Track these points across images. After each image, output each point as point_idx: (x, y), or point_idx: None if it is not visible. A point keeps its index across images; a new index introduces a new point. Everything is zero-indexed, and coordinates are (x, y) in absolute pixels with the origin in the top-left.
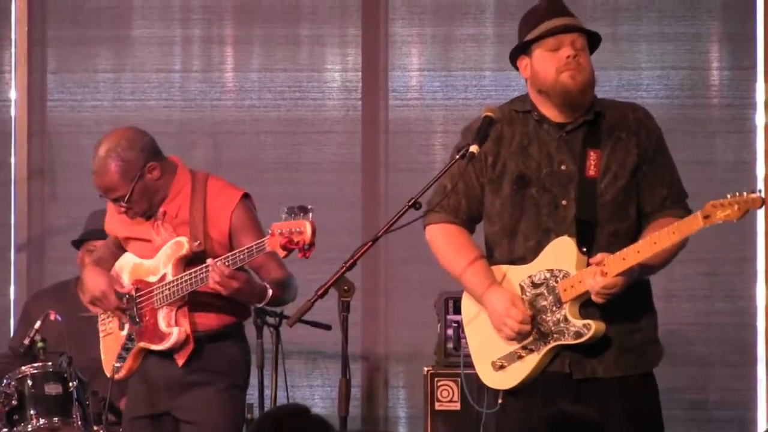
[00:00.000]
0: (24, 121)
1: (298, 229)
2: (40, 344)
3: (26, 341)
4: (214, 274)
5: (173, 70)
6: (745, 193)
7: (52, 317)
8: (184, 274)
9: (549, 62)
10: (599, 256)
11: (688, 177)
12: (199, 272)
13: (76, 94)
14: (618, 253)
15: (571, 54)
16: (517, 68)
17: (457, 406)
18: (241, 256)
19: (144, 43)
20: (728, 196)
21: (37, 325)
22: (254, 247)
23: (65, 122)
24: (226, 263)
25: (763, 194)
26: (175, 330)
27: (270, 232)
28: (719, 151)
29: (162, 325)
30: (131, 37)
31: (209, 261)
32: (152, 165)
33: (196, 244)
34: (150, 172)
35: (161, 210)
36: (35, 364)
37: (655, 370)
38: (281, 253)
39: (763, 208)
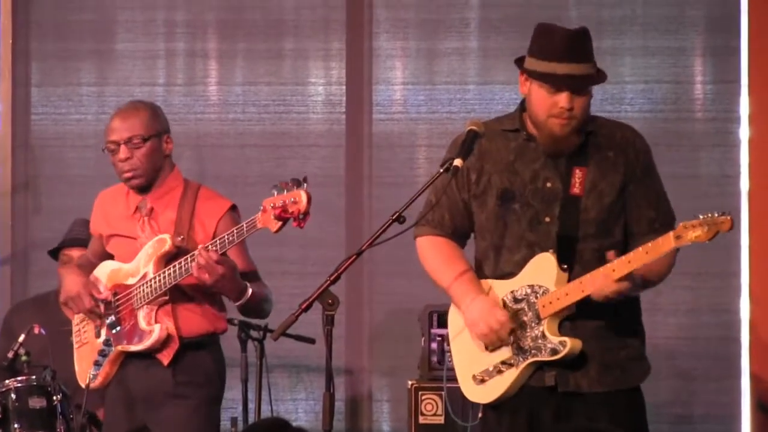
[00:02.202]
0: (8, 134)
1: (292, 199)
2: (24, 358)
3: (10, 354)
4: (200, 258)
5: (157, 83)
6: (715, 214)
7: (36, 331)
8: (166, 268)
9: (543, 102)
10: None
11: (672, 191)
12: (183, 263)
13: (60, 107)
14: (623, 257)
15: (566, 107)
16: (519, 67)
17: (441, 420)
18: (230, 238)
19: (128, 56)
20: (700, 216)
21: (21, 338)
22: (244, 225)
23: (49, 135)
24: (215, 246)
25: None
26: (156, 327)
27: (261, 208)
28: (703, 165)
29: (142, 323)
30: (115, 51)
31: (200, 246)
32: (169, 137)
33: (180, 239)
34: (167, 141)
35: (149, 206)
36: (19, 378)
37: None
38: (275, 226)
39: (748, 221)
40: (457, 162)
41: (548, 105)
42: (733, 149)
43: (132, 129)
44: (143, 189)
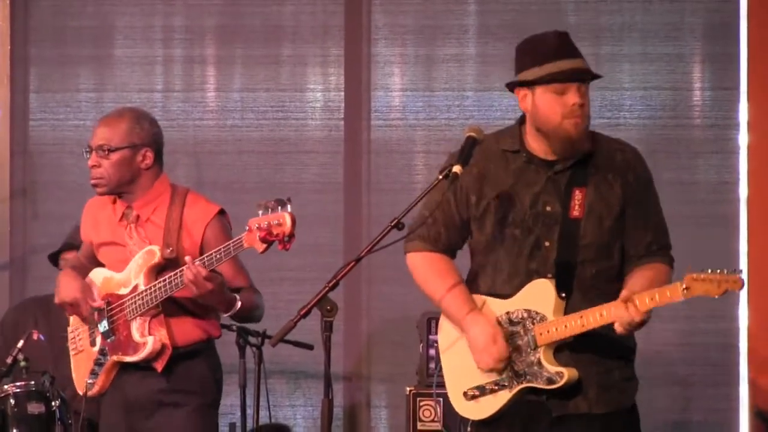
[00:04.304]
0: (6, 140)
1: (277, 221)
2: (23, 363)
3: (9, 360)
4: (188, 272)
5: (155, 89)
6: (725, 271)
7: (35, 336)
8: (158, 281)
9: (554, 106)
10: (626, 294)
11: (671, 198)
12: (174, 277)
13: (59, 113)
14: (645, 292)
15: (578, 102)
16: (512, 91)
17: (439, 426)
18: (218, 256)
19: (126, 62)
20: (709, 270)
21: (20, 344)
22: (231, 245)
23: (47, 141)
24: (203, 263)
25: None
26: (150, 339)
27: (247, 228)
28: (702, 172)
29: (136, 335)
30: (113, 57)
31: (187, 258)
32: (149, 152)
33: (168, 251)
34: (144, 154)
35: (134, 213)
36: (17, 383)
37: (637, 391)
38: (260, 248)
39: (746, 228)
40: (456, 168)
41: (559, 107)
42: (732, 156)
43: (104, 137)
44: (120, 196)
